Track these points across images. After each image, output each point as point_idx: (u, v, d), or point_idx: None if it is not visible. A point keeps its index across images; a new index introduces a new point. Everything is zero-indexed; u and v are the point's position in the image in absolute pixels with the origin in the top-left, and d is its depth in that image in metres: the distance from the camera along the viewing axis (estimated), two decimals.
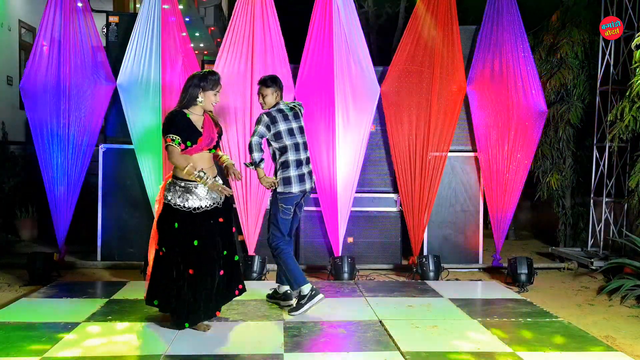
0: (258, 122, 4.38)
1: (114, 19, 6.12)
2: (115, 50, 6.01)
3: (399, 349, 3.62)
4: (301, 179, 4.42)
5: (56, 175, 5.74)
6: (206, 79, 3.88)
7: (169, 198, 3.86)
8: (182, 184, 3.84)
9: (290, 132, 4.42)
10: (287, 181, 4.39)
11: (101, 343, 3.68)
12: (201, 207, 3.85)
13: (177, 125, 3.80)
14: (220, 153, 4.13)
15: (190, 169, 3.76)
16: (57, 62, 5.68)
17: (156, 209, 4.01)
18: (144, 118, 5.74)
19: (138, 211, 5.96)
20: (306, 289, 4.34)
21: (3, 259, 6.03)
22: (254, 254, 5.69)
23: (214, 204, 3.91)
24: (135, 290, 4.90)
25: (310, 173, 4.52)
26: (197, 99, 3.87)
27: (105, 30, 6.21)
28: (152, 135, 5.71)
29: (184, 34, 5.98)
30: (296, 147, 4.43)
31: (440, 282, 5.56)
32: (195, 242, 3.83)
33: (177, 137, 3.77)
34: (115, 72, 5.81)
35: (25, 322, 4.04)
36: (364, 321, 4.20)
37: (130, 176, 5.93)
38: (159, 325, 4.01)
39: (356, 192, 5.94)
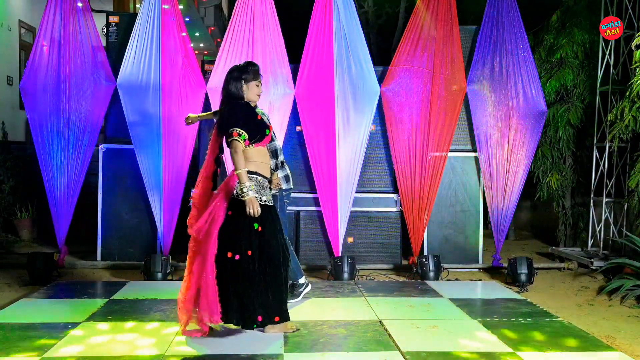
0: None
1: (114, 19, 6.12)
2: (115, 50, 6.01)
3: (399, 349, 3.61)
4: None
5: (56, 175, 5.74)
6: (247, 71, 3.75)
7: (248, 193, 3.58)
8: (258, 179, 3.70)
9: None
10: (288, 178, 4.57)
11: (101, 343, 3.67)
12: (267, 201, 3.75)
13: (246, 117, 3.64)
14: None
15: (243, 175, 3.55)
16: (57, 62, 5.68)
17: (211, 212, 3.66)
18: (144, 118, 5.73)
19: (138, 211, 5.96)
20: (302, 279, 4.70)
21: (3, 259, 6.02)
22: None
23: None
24: (136, 290, 4.91)
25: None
26: (241, 93, 3.72)
27: (105, 30, 6.21)
28: (152, 135, 5.71)
29: (184, 34, 5.98)
30: None
31: (440, 282, 5.56)
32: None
33: (244, 133, 3.59)
34: (115, 72, 5.80)
35: (25, 322, 4.03)
36: (364, 321, 4.20)
37: (130, 176, 5.92)
38: (159, 326, 4.01)
39: (356, 192, 5.93)
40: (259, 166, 3.73)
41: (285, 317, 3.78)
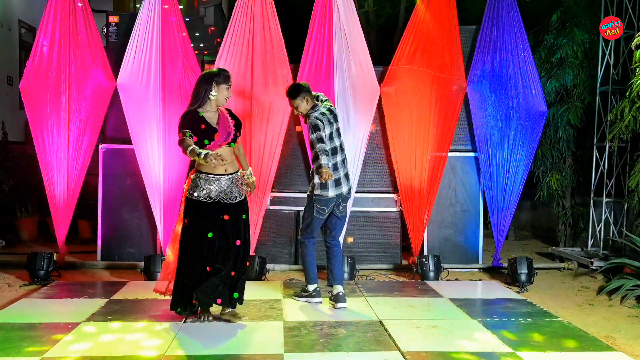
0: (314, 128, 4.35)
1: (114, 19, 6.12)
2: (115, 50, 6.00)
3: (399, 349, 3.62)
4: (337, 182, 4.47)
5: (56, 175, 5.73)
6: (219, 74, 4.02)
7: (190, 191, 3.99)
8: (202, 176, 3.97)
9: (331, 135, 4.46)
10: (324, 185, 4.44)
11: (101, 343, 3.67)
12: (211, 198, 3.94)
13: (189, 123, 3.90)
14: (244, 164, 4.27)
15: (193, 148, 3.74)
16: (57, 62, 5.68)
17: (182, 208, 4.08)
18: (144, 118, 5.73)
19: (138, 211, 5.96)
20: (311, 287, 4.66)
21: (3, 258, 6.02)
22: (253, 254, 5.68)
23: (222, 199, 3.98)
24: (135, 290, 4.90)
25: (347, 175, 4.57)
26: (211, 94, 3.96)
27: (105, 30, 6.20)
28: (152, 135, 5.71)
29: (184, 34, 5.98)
30: (333, 150, 4.46)
31: (440, 282, 5.56)
32: (210, 235, 3.93)
33: (189, 131, 3.86)
34: (115, 72, 5.80)
35: (25, 322, 4.04)
36: (364, 321, 4.20)
37: (130, 176, 5.92)
38: (159, 325, 4.01)
39: (356, 192, 5.93)
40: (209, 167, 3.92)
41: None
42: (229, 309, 4.10)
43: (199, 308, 4.08)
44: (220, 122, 4.02)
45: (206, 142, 3.89)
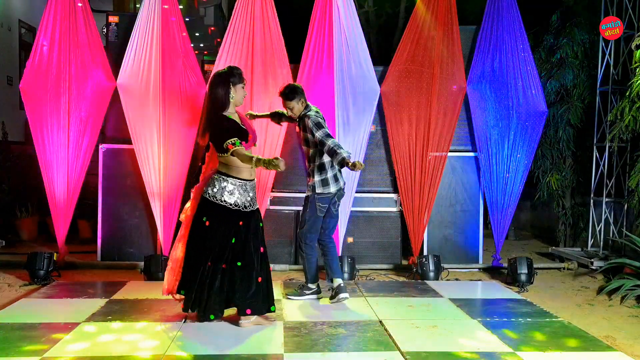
0: (318, 126, 4.43)
1: (114, 19, 6.12)
2: (115, 50, 6.00)
3: (399, 349, 3.62)
4: (336, 178, 4.63)
5: (56, 175, 5.73)
6: (233, 74, 3.90)
7: (214, 194, 3.87)
8: (231, 180, 3.87)
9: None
10: (325, 182, 4.58)
11: (101, 343, 3.67)
12: (237, 204, 3.89)
13: (233, 131, 3.78)
14: None
15: (259, 158, 3.59)
16: (57, 62, 5.68)
17: (189, 205, 4.04)
18: (144, 118, 5.73)
19: (138, 211, 5.96)
20: (313, 285, 4.79)
21: (3, 258, 6.02)
22: None
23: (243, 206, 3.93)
24: (136, 290, 4.91)
25: (340, 170, 4.67)
26: (231, 96, 3.87)
27: (105, 30, 6.20)
28: (152, 136, 5.71)
29: (184, 34, 5.98)
30: None
31: (440, 282, 5.56)
32: (233, 240, 3.88)
33: (236, 139, 3.73)
34: (115, 72, 5.80)
35: (25, 322, 4.03)
36: (364, 321, 4.20)
37: (130, 176, 5.92)
38: (159, 325, 4.01)
39: (356, 192, 5.94)
40: (234, 170, 3.89)
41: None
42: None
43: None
44: (244, 123, 4.01)
45: (238, 143, 3.77)
